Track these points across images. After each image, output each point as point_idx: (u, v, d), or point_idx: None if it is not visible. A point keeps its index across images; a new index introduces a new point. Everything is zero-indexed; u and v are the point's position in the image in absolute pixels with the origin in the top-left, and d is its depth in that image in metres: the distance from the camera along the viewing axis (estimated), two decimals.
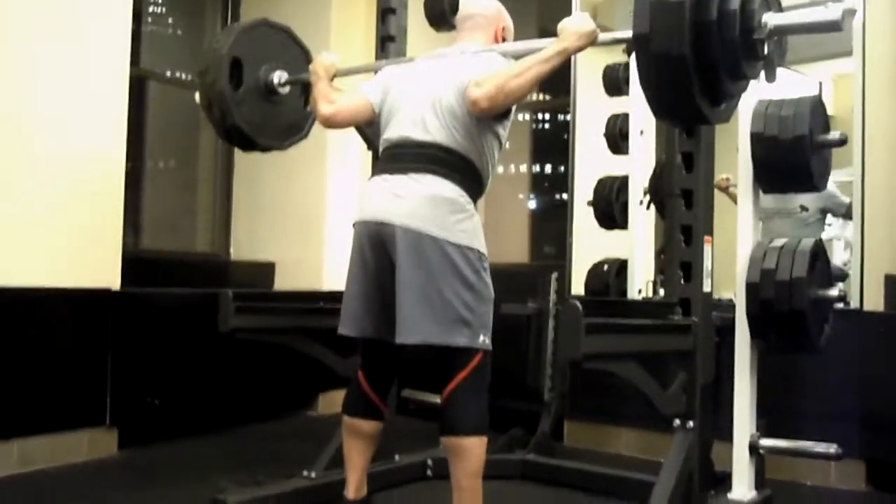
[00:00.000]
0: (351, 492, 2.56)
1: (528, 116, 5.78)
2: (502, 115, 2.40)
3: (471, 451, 2.28)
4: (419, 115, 2.41)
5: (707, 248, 2.51)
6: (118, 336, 3.53)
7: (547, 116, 5.81)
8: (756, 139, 2.73)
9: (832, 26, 1.94)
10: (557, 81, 4.32)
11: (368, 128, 2.86)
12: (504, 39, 2.60)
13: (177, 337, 3.79)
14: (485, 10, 2.60)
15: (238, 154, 4.99)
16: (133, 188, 4.37)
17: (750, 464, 2.84)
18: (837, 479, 3.27)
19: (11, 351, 3.17)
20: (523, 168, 5.86)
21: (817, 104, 2.72)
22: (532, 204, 5.90)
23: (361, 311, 2.46)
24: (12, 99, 3.22)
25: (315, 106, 2.63)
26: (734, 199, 2.97)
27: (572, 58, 3.47)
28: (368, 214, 2.40)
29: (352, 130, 3.16)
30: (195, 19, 5.11)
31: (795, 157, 2.67)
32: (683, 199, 2.53)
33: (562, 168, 4.98)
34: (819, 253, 2.74)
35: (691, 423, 2.45)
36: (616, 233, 4.38)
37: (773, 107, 2.70)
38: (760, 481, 2.89)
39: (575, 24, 2.24)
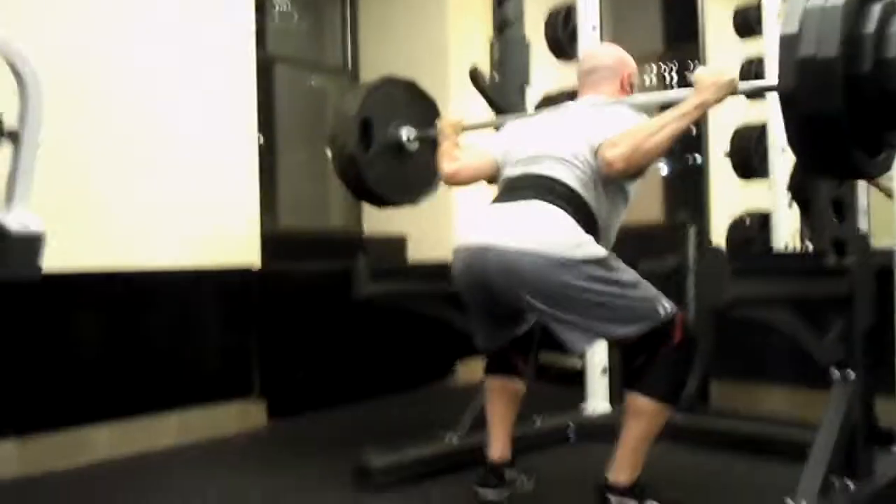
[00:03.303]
0: (495, 453, 2.55)
1: (654, 69, 5.58)
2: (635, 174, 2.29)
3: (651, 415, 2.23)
4: (543, 157, 2.32)
5: (862, 183, 2.31)
6: (262, 311, 3.66)
7: (675, 67, 5.58)
8: None
9: None
10: (683, 27, 4.14)
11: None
12: (631, 85, 2.50)
13: (318, 311, 3.90)
14: (608, 60, 2.51)
15: None
16: (268, 171, 4.52)
17: None
18: None
19: (166, 330, 3.36)
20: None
21: None
22: (664, 167, 5.72)
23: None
24: (148, 83, 3.36)
25: (439, 164, 2.64)
26: (886, 192, 2.73)
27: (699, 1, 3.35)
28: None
29: None
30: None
31: None
32: None
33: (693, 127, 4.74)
34: None
35: (852, 374, 2.28)
36: (755, 186, 4.18)
37: None
38: None
39: (713, 76, 2.11)
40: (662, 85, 5.70)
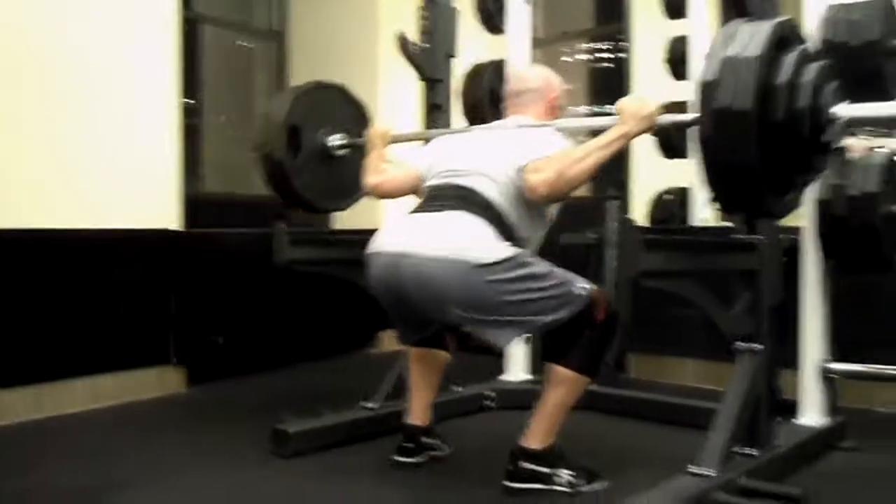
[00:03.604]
0: (415, 418, 2.59)
1: (583, 46, 5.63)
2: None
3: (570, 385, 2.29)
4: (467, 170, 2.33)
5: None
6: (181, 275, 3.60)
7: (604, 47, 5.63)
8: (825, 46, 2.58)
9: None
10: (613, 5, 4.17)
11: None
12: (558, 107, 2.54)
13: (239, 276, 3.86)
14: (535, 84, 2.54)
15: None
16: (193, 134, 4.43)
17: (820, 389, 2.77)
18: None
19: (81, 291, 3.27)
20: (583, 109, 5.75)
21: (889, 7, 2.56)
22: None
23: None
24: (67, 41, 3.26)
25: (364, 175, 2.63)
26: None
27: None
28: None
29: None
30: None
31: (867, 63, 2.53)
32: None
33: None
34: (893, 167, 2.61)
35: (757, 346, 2.36)
36: (679, 163, 4.25)
37: (842, 11, 2.55)
38: (832, 408, 2.81)
39: (635, 107, 2.14)
40: (593, 61, 5.75)
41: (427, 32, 3.16)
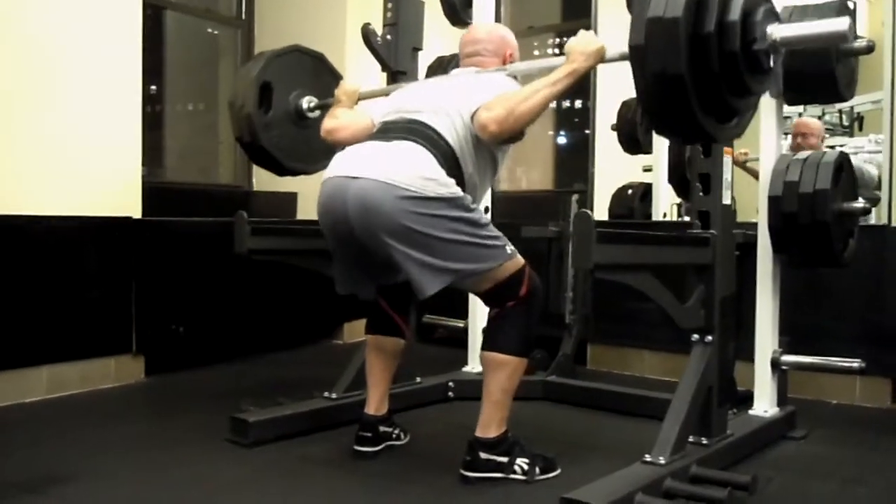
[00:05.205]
0: (371, 408, 2.60)
1: (551, 42, 5.67)
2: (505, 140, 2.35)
3: (507, 369, 2.32)
4: (421, 109, 2.37)
5: (727, 160, 2.44)
6: (141, 265, 3.58)
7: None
8: None
9: (839, 38, 1.86)
10: (579, 3, 4.20)
11: None
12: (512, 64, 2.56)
13: (201, 265, 3.83)
14: (490, 39, 2.57)
15: None
16: (155, 121, 4.39)
17: (772, 380, 2.83)
18: (862, 397, 3.25)
19: (39, 279, 3.23)
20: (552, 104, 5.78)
21: (842, 8, 2.62)
22: (560, 139, 5.88)
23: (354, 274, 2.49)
24: (29, 24, 3.22)
25: (323, 122, 2.65)
26: (753, 174, 2.89)
27: None
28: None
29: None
30: None
31: (820, 64, 2.59)
32: None
33: (588, 102, 4.81)
34: (844, 165, 2.67)
35: (710, 338, 2.41)
36: (641, 158, 4.31)
37: (796, 13, 2.60)
38: (783, 398, 2.88)
39: (582, 45, 2.21)
40: (560, 55, 5.79)
41: (391, 24, 3.17)
